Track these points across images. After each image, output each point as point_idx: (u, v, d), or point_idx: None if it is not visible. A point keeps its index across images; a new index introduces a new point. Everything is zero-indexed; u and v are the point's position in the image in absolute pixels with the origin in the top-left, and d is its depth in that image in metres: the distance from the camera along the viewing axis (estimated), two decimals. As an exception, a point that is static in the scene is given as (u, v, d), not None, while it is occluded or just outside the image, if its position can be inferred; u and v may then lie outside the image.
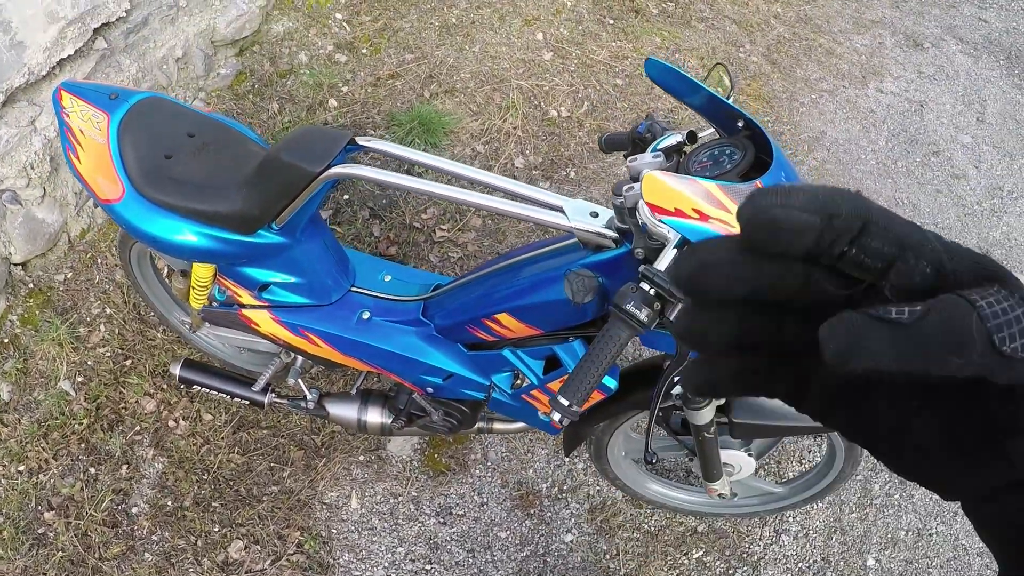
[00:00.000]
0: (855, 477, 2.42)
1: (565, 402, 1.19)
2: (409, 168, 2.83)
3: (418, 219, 2.87)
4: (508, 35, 3.53)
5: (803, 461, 2.43)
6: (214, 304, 1.97)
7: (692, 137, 1.41)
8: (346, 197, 2.91)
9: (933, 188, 3.27)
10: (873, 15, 4.05)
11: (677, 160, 1.41)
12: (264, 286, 1.83)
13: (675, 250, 1.17)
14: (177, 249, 1.70)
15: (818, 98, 3.55)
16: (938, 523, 2.38)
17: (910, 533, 2.35)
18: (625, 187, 1.29)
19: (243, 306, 1.90)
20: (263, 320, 1.89)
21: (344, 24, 3.40)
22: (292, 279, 1.82)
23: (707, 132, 1.46)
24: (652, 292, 1.15)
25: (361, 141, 1.60)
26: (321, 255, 1.81)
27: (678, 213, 1.17)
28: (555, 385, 1.62)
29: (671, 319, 1.17)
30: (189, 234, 1.67)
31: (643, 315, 1.14)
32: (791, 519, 2.33)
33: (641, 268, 1.14)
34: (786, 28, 3.86)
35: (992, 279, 0.36)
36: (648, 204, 1.18)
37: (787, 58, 3.70)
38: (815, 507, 2.35)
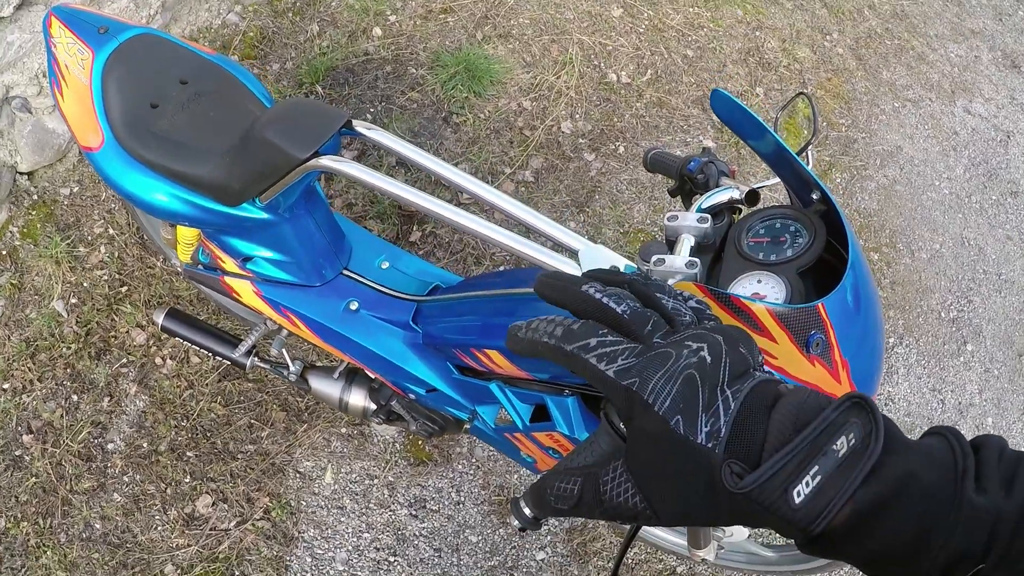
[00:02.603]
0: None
1: (527, 512, 1.04)
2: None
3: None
4: (578, -17, 3.26)
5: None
6: (198, 266, 1.85)
7: (752, 198, 1.18)
8: (374, 144, 2.73)
9: (1004, 233, 3.00)
10: (974, 24, 3.67)
11: (729, 220, 1.20)
12: (248, 258, 1.70)
13: None
14: (154, 209, 1.55)
15: (901, 107, 3.25)
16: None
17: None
18: (655, 257, 1.09)
19: (226, 273, 1.77)
20: (245, 291, 1.76)
21: (403, -52, 3.16)
22: (277, 255, 1.68)
23: (773, 181, 1.25)
24: None
25: (358, 126, 1.42)
26: (311, 234, 1.65)
27: None
28: (541, 436, 1.48)
29: None
30: (167, 196, 1.51)
31: None
32: None
33: None
34: (879, 22, 3.52)
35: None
36: None
37: (875, 56, 3.38)
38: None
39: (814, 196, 1.10)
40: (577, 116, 2.95)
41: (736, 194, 1.19)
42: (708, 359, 0.48)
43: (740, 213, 1.22)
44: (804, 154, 1.23)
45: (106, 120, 1.51)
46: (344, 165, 1.37)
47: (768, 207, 1.12)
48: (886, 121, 3.18)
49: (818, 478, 0.43)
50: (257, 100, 1.60)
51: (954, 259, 2.90)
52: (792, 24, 3.36)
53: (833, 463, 0.44)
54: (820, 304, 0.96)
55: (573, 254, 1.24)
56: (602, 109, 2.99)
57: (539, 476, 1.07)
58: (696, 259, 1.06)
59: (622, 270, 1.19)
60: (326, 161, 1.37)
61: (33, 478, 2.15)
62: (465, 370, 1.58)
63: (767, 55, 3.23)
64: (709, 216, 1.14)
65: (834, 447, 0.44)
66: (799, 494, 0.43)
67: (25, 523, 2.10)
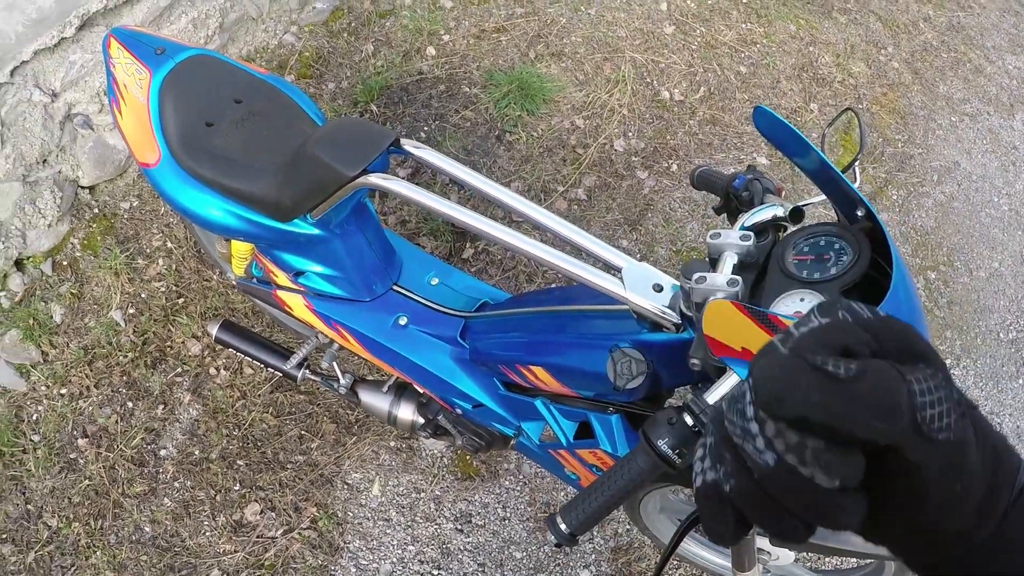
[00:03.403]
0: None
1: (563, 527, 1.04)
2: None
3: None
4: (629, 1, 3.26)
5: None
6: (252, 280, 1.89)
7: (797, 216, 1.17)
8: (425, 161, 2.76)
9: (1063, 252, 2.91)
10: (1035, 33, 3.59)
11: (773, 238, 1.19)
12: (300, 272, 1.73)
13: (735, 383, 0.96)
14: (209, 224, 1.60)
15: (958, 122, 3.17)
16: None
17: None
18: (696, 275, 1.07)
19: (278, 287, 1.81)
20: (297, 305, 1.80)
21: (456, -32, 3.20)
22: (329, 271, 1.71)
23: (819, 199, 1.23)
24: (695, 428, 0.97)
25: (407, 145, 1.45)
26: (362, 251, 1.68)
27: (745, 353, 0.93)
28: (585, 453, 1.47)
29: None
30: (222, 212, 1.56)
31: (675, 456, 0.97)
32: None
33: (688, 397, 0.97)
34: (935, 35, 3.45)
35: (917, 357, 0.38)
36: (708, 340, 0.96)
37: (931, 69, 3.31)
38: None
39: (859, 213, 1.07)
40: (630, 134, 2.95)
41: (780, 211, 1.18)
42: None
43: (785, 231, 1.21)
44: (851, 171, 1.21)
45: (163, 137, 1.56)
46: (392, 183, 1.39)
47: (812, 224, 1.10)
48: (943, 136, 3.11)
49: None
50: (309, 119, 1.64)
51: (1013, 278, 2.81)
52: (846, 39, 3.31)
53: None
54: None
55: (617, 271, 1.24)
56: (655, 127, 2.98)
57: (578, 492, 1.07)
58: (738, 277, 1.04)
59: (665, 288, 1.19)
60: (374, 179, 1.39)
61: (86, 480, 2.21)
62: (511, 386, 1.59)
63: (821, 70, 3.18)
64: (752, 234, 1.13)
65: None
66: None
67: (77, 523, 2.16)
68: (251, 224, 1.56)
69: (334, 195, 1.44)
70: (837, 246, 1.05)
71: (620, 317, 1.34)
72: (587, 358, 1.33)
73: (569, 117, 2.95)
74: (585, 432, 1.47)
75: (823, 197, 1.19)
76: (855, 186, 1.09)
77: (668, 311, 1.17)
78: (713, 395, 0.97)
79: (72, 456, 2.25)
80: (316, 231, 1.56)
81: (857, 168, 1.24)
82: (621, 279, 1.22)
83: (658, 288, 1.20)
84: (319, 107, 1.86)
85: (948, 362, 2.59)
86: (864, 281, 1.00)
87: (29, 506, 2.19)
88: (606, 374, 1.21)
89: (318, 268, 1.70)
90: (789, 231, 1.15)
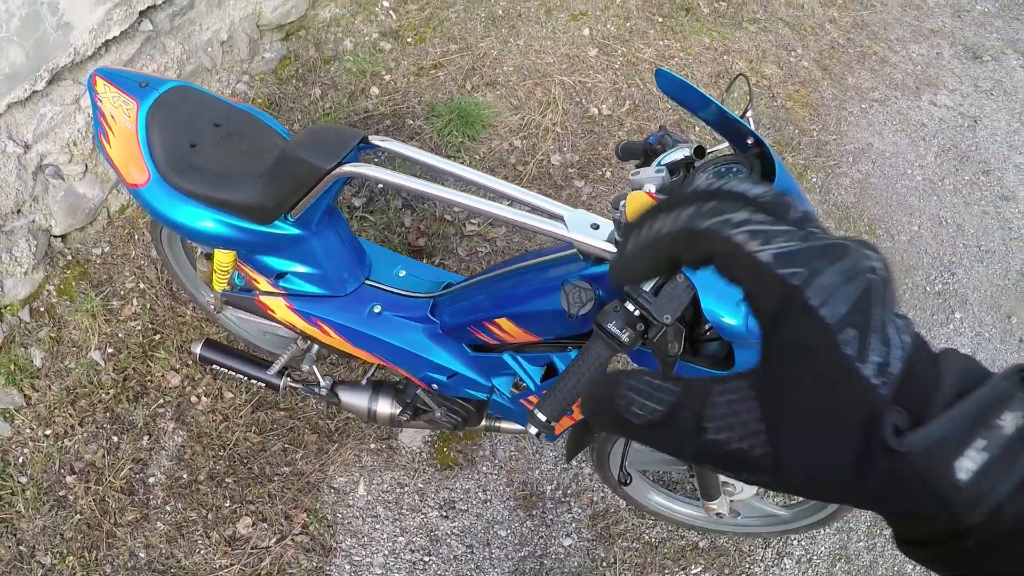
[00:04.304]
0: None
1: (542, 417, 1.19)
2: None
3: (449, 212, 2.89)
4: (554, 29, 3.51)
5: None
6: (234, 288, 2.02)
7: (700, 152, 1.38)
8: (380, 186, 2.94)
9: (980, 209, 3.17)
10: (933, 24, 3.93)
11: (684, 175, 1.39)
12: (281, 274, 1.87)
13: None
14: (197, 235, 1.76)
15: (868, 108, 3.45)
16: (952, 558, 2.31)
17: (918, 569, 2.30)
18: (622, 201, 1.28)
19: (260, 292, 1.95)
20: (278, 307, 1.93)
21: (391, 12, 3.43)
22: (307, 269, 1.86)
23: (721, 147, 1.43)
24: (636, 312, 1.14)
25: (374, 140, 1.62)
26: (336, 247, 1.84)
27: None
28: (551, 394, 1.62)
29: (653, 339, 1.16)
30: (209, 221, 1.72)
31: (624, 336, 1.13)
32: (795, 542, 2.29)
33: (625, 287, 1.13)
34: (841, 33, 3.76)
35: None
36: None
37: (839, 65, 3.61)
38: (821, 532, 2.31)
39: (749, 142, 1.29)
40: (564, 149, 3.16)
41: (687, 151, 1.39)
42: (882, 271, 0.36)
43: (691, 171, 1.41)
44: (745, 117, 1.42)
45: (151, 159, 1.73)
46: (364, 168, 1.56)
47: (715, 157, 1.32)
48: (855, 122, 3.38)
49: (984, 455, 0.33)
50: (280, 135, 1.84)
51: (933, 238, 3.05)
52: (757, 45, 3.60)
53: (1000, 441, 0.33)
54: None
55: (560, 219, 1.42)
56: (587, 140, 3.20)
57: (552, 382, 1.22)
58: (664, 167, 1.29)
59: (602, 226, 1.38)
60: (348, 168, 1.57)
61: (77, 515, 2.27)
62: (479, 348, 1.74)
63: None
64: (666, 168, 1.34)
65: (999, 421, 0.34)
66: (964, 470, 0.33)
67: (71, 557, 2.21)
68: (237, 230, 1.72)
69: (313, 189, 1.61)
70: (735, 169, 1.29)
71: (567, 261, 1.53)
72: (544, 300, 1.50)
73: (507, 139, 3.15)
74: (551, 374, 1.63)
75: (724, 144, 1.40)
76: (743, 121, 1.31)
77: (605, 244, 1.36)
78: (647, 283, 1.14)
79: (61, 493, 2.31)
80: (295, 231, 1.73)
81: (750, 116, 1.45)
82: (564, 224, 1.41)
83: (595, 227, 1.39)
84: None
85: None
86: None
87: (21, 547, 2.24)
88: (562, 310, 1.37)
89: (297, 268, 1.85)
90: (696, 165, 1.36)
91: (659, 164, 1.38)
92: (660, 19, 3.64)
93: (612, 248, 1.36)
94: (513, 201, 1.52)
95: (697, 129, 3.22)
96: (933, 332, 2.77)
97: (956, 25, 3.95)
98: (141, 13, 2.52)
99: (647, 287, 1.14)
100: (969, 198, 3.19)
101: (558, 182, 3.05)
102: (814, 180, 3.16)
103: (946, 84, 3.63)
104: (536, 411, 1.20)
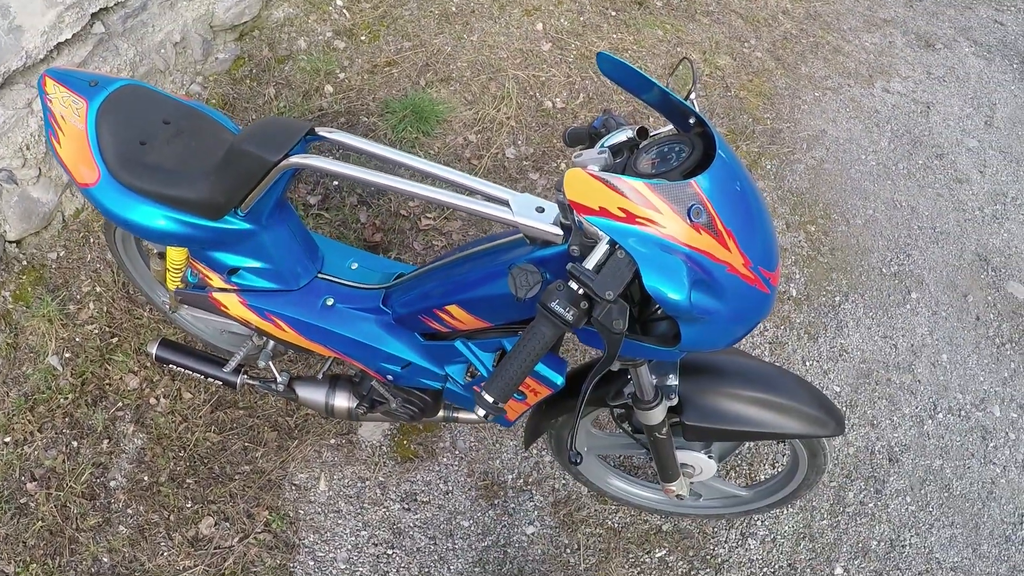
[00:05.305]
0: (828, 484, 2.41)
1: (489, 398, 1.20)
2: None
3: (405, 207, 2.90)
4: (507, 25, 3.53)
5: (775, 464, 2.42)
6: (188, 286, 2.02)
7: (643, 133, 1.39)
8: (335, 183, 2.93)
9: (934, 192, 3.23)
10: (885, 14, 3.99)
11: (627, 157, 1.40)
12: (233, 270, 1.87)
13: (606, 247, 1.16)
14: (149, 232, 1.75)
15: (821, 96, 3.51)
16: (912, 534, 2.36)
17: (882, 543, 2.34)
18: (574, 155, 1.31)
19: (214, 289, 1.94)
20: (232, 303, 1.92)
21: (344, 11, 3.43)
22: (259, 264, 1.85)
23: (665, 129, 1.45)
24: (579, 291, 1.15)
25: (321, 131, 1.62)
26: (288, 241, 1.84)
27: (603, 212, 1.16)
28: (503, 379, 1.63)
29: (598, 317, 1.17)
30: (160, 219, 1.71)
31: (568, 314, 1.14)
32: (759, 523, 2.32)
33: (568, 266, 1.14)
34: (794, 24, 3.82)
35: None
36: (571, 203, 1.17)
37: (792, 55, 3.66)
38: (785, 512, 2.34)
39: (691, 121, 1.31)
40: (519, 142, 3.18)
41: (630, 132, 1.41)
42: None
43: (634, 153, 1.43)
44: (688, 100, 1.44)
45: (101, 158, 1.72)
46: (311, 159, 1.56)
47: (656, 139, 1.34)
48: (808, 110, 3.43)
49: None
50: (229, 131, 1.84)
51: (888, 221, 3.11)
52: (711, 37, 3.64)
53: None
54: (692, 181, 1.17)
55: (505, 203, 1.43)
56: (541, 133, 3.22)
57: (497, 369, 1.23)
58: (607, 148, 1.33)
59: (547, 209, 1.40)
60: (296, 159, 1.57)
61: (39, 522, 2.24)
62: (431, 336, 1.75)
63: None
64: (608, 150, 1.36)
65: None
66: None
67: (34, 565, 2.19)
68: (188, 226, 1.71)
69: (262, 182, 1.61)
70: (678, 148, 1.29)
71: (515, 246, 1.54)
72: (492, 286, 1.51)
73: (462, 133, 3.17)
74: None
75: (668, 127, 1.42)
76: (686, 102, 1.32)
77: (550, 226, 1.37)
78: (591, 261, 1.16)
79: (22, 501, 2.29)
80: (246, 225, 1.73)
81: (694, 100, 1.47)
82: (510, 208, 1.42)
83: (540, 210, 1.40)
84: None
85: (837, 299, 2.85)
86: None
87: (-18, 556, 2.21)
88: (511, 294, 1.38)
89: (249, 263, 1.85)
90: (640, 147, 1.38)
91: (602, 146, 1.40)
92: (613, 13, 3.67)
93: (558, 230, 1.37)
94: (459, 188, 1.53)
95: (651, 120, 3.25)
96: (891, 312, 2.82)
97: (909, 14, 4.02)
98: (93, 15, 2.50)
99: (589, 264, 1.15)
100: (923, 181, 3.25)
101: (513, 175, 3.07)
102: (768, 167, 3.20)
103: (899, 72, 3.70)
104: (484, 392, 1.21)
